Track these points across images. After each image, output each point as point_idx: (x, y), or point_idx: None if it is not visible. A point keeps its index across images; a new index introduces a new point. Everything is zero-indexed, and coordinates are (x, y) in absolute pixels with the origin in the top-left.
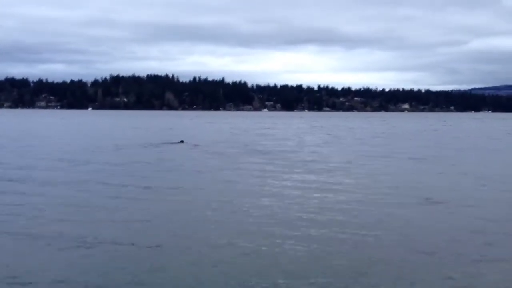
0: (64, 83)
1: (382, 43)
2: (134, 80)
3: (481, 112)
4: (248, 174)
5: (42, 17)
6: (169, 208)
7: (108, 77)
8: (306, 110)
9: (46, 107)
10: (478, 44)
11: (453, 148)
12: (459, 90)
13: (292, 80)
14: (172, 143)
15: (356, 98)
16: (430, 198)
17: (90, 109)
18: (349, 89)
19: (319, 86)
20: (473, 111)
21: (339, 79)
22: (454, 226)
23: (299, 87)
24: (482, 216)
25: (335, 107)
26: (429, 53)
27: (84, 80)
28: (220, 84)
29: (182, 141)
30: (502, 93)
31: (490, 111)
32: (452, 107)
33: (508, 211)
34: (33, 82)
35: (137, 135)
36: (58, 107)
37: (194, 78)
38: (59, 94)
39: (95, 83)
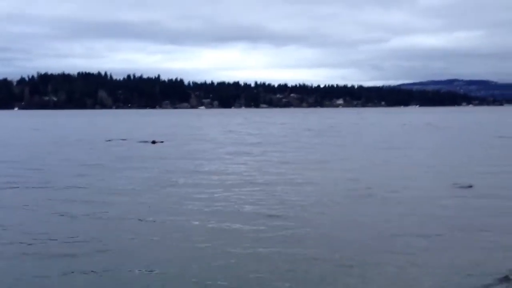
0: None
1: (308, 41)
2: (64, 78)
3: (410, 107)
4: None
5: None
6: None
7: (35, 75)
8: (243, 107)
9: None
10: (398, 42)
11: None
12: (389, 86)
13: (225, 77)
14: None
15: (292, 95)
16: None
17: (16, 109)
18: (285, 85)
19: (256, 83)
20: (402, 106)
21: (271, 76)
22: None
23: (236, 84)
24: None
25: (272, 104)
26: (353, 51)
27: (7, 78)
28: (155, 82)
29: (154, 142)
30: (429, 88)
31: (417, 106)
32: (383, 102)
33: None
34: None
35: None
36: None
37: (129, 76)
38: None
39: (22, 81)
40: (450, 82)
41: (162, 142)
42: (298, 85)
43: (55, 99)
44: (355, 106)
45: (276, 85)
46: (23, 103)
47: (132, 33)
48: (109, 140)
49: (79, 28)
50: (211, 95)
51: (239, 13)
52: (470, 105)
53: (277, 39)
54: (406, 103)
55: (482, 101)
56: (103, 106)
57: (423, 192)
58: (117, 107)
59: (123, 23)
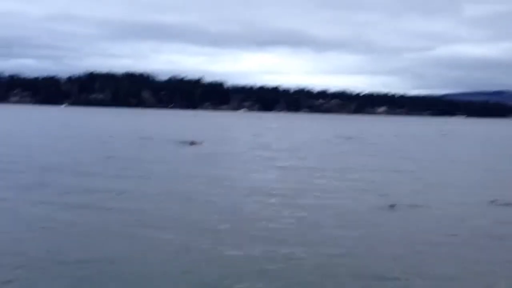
0: (37, 78)
1: (349, 47)
2: (110, 77)
3: (456, 117)
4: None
5: (6, 11)
6: None
7: (83, 74)
8: (283, 111)
9: (20, 102)
10: (443, 51)
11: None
12: (433, 95)
13: (265, 81)
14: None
15: (333, 101)
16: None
17: (64, 105)
18: (326, 91)
19: (296, 88)
20: (447, 116)
21: (311, 81)
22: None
23: (277, 88)
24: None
25: (312, 109)
26: (396, 58)
27: (57, 75)
28: (197, 84)
29: (192, 142)
30: (475, 98)
31: (464, 116)
32: (427, 112)
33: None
34: (9, 76)
35: None
36: (32, 102)
37: (171, 77)
38: (32, 90)
39: (70, 79)
40: (498, 93)
41: (201, 143)
42: (339, 91)
43: (101, 97)
44: (398, 114)
45: (316, 91)
46: (71, 100)
47: (174, 35)
48: (144, 138)
49: (123, 30)
50: (251, 99)
51: (280, 18)
52: None
53: (318, 44)
54: (451, 114)
55: None
56: (146, 105)
57: (461, 210)
58: (160, 107)
59: (165, 25)
